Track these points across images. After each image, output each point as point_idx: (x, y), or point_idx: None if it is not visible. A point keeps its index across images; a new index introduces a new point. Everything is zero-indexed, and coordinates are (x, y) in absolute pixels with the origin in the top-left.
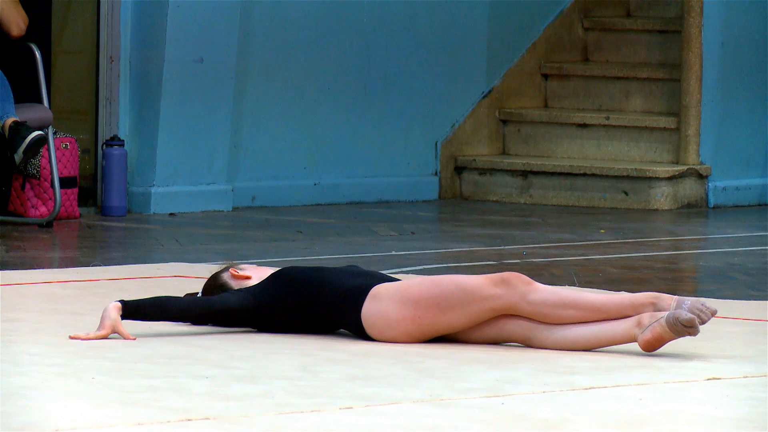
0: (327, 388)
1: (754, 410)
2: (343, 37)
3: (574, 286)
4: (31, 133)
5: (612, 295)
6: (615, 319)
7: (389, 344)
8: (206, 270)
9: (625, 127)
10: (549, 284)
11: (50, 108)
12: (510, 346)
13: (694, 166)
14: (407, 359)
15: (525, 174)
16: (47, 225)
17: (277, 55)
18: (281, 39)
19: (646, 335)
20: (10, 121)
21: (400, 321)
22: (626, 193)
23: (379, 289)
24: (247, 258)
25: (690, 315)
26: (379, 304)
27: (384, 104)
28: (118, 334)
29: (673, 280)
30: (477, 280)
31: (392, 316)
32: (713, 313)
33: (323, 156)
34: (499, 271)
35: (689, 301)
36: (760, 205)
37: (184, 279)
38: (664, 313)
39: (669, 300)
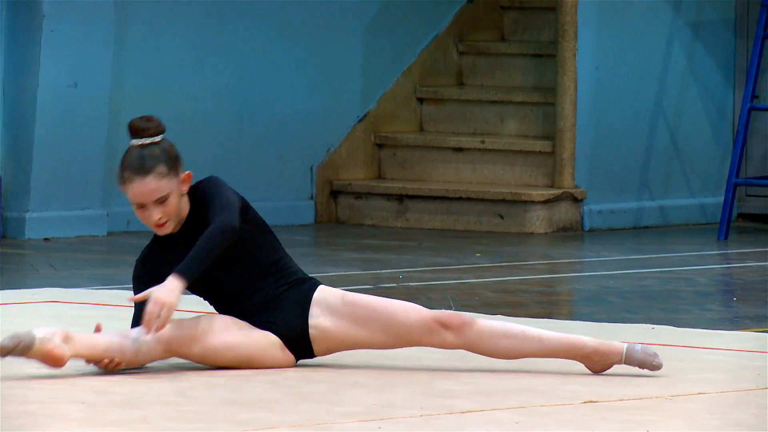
0: (205, 413)
1: None
2: (218, 62)
3: (450, 309)
4: None
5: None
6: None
7: (266, 369)
8: (82, 294)
9: (501, 150)
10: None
11: None
12: (389, 369)
13: (569, 190)
14: (285, 384)
15: (401, 198)
16: None
17: (151, 80)
18: (156, 64)
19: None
20: None
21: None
22: (502, 217)
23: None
24: (123, 283)
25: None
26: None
27: (259, 128)
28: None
29: (548, 303)
30: (415, 322)
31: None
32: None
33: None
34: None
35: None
36: (635, 228)
37: (59, 304)
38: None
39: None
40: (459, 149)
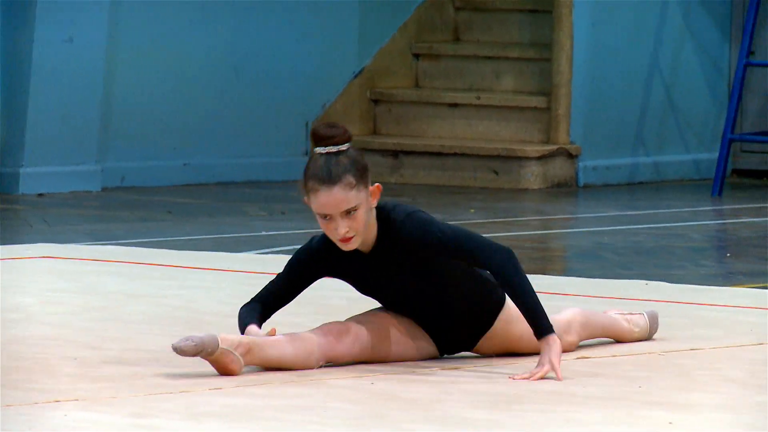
0: (196, 369)
1: (623, 389)
2: (214, 17)
3: None
4: None
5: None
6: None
7: None
8: (76, 249)
9: (496, 106)
10: None
11: None
12: None
13: (564, 146)
14: None
15: (396, 154)
16: None
17: (147, 34)
18: (152, 18)
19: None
20: None
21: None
22: (496, 173)
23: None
24: (117, 239)
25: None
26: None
27: (254, 84)
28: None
29: (542, 260)
30: None
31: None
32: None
33: (193, 136)
34: None
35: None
36: (629, 184)
37: (53, 259)
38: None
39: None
40: (454, 105)
